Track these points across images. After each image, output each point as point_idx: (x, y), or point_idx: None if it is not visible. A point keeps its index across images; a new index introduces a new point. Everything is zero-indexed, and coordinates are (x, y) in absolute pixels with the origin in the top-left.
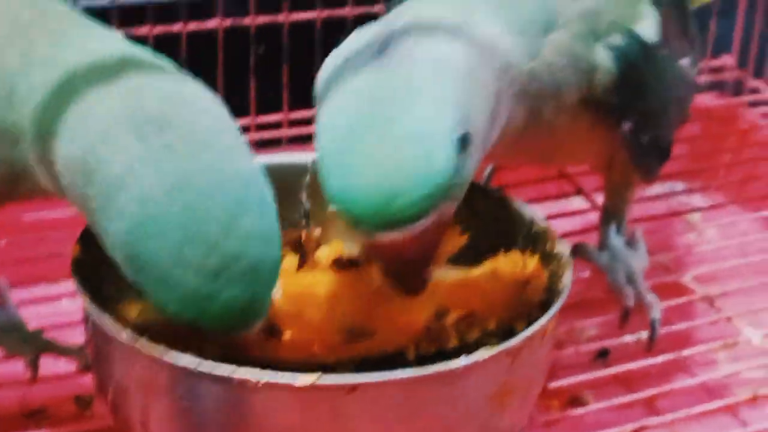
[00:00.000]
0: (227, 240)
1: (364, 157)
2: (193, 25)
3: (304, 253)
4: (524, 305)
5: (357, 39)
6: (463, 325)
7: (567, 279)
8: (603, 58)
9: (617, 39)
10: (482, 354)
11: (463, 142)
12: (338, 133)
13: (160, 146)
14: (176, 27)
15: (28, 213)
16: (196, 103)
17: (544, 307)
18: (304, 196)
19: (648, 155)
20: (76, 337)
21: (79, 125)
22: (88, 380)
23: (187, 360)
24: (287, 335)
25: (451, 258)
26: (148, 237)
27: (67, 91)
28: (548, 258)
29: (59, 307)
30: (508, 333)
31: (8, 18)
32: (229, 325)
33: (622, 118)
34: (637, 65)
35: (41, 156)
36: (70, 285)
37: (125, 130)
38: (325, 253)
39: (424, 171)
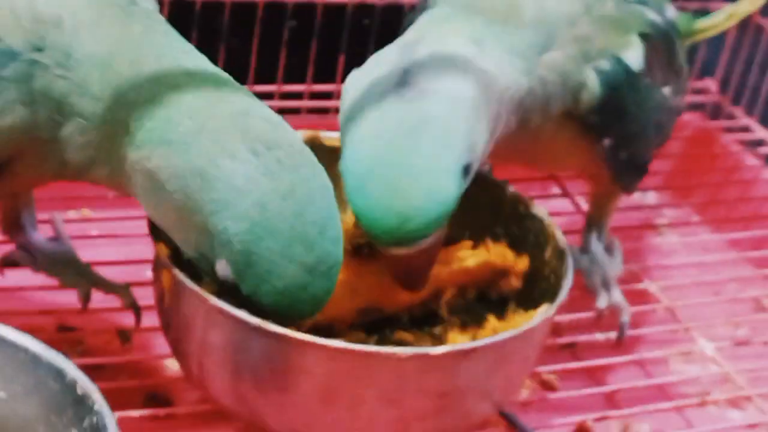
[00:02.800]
0: (322, 241)
1: (383, 187)
2: None
3: None
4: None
5: (376, 66)
6: (453, 300)
7: (568, 281)
8: (590, 79)
9: (605, 63)
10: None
11: (467, 170)
12: (363, 163)
13: (272, 160)
14: None
15: None
16: (284, 124)
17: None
18: None
19: (626, 170)
20: None
21: (193, 139)
22: (129, 316)
23: (243, 314)
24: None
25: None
26: (265, 235)
27: (173, 104)
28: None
29: None
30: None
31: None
32: (310, 311)
33: (602, 135)
34: (620, 90)
35: (107, 147)
36: None
37: (242, 147)
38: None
39: (433, 201)
